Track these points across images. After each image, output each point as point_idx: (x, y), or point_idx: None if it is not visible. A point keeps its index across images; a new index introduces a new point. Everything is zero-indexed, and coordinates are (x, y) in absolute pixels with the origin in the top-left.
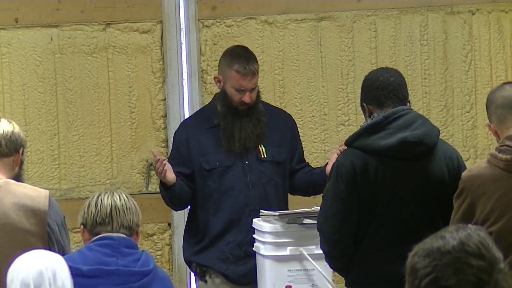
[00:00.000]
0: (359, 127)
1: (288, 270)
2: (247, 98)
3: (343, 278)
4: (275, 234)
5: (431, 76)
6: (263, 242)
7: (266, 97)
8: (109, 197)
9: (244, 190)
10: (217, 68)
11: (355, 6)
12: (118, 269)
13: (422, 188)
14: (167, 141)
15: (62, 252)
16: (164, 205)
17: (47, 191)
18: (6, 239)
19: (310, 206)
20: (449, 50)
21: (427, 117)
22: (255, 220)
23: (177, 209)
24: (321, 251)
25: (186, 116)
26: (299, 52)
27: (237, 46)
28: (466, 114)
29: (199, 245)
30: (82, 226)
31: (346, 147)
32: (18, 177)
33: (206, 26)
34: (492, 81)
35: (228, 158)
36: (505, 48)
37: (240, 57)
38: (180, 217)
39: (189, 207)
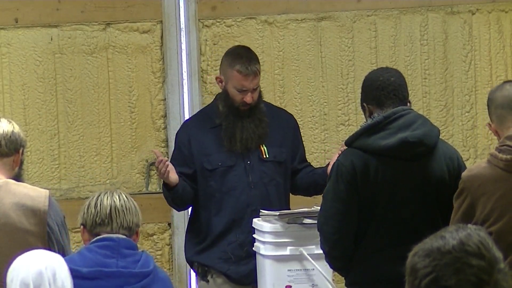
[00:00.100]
0: (359, 127)
1: (288, 270)
2: (248, 98)
3: (343, 278)
4: (275, 234)
5: (431, 76)
6: (263, 242)
7: (266, 97)
8: (109, 197)
9: (246, 190)
10: (217, 68)
11: (355, 6)
12: (118, 271)
13: (422, 188)
14: (167, 141)
15: (62, 252)
16: (164, 205)
17: (47, 191)
18: (6, 239)
19: (310, 206)
20: (449, 50)
21: (427, 117)
22: (255, 220)
23: (179, 209)
24: (321, 251)
25: (186, 116)
26: (299, 52)
27: (239, 46)
28: (466, 114)
29: (201, 245)
30: (82, 227)
31: (346, 148)
32: (18, 177)
33: (206, 26)
34: (492, 81)
35: (230, 158)
36: (505, 48)
37: (241, 57)
38: (180, 217)
39: (191, 207)
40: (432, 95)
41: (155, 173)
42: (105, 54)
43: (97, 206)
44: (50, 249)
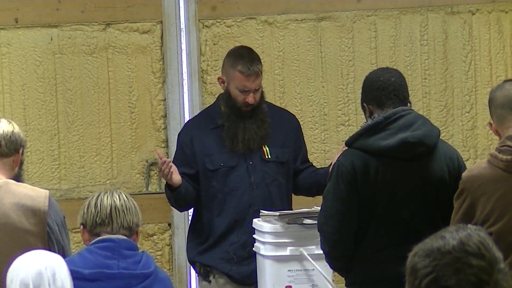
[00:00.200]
0: (360, 127)
1: (288, 270)
2: (251, 99)
3: (343, 278)
4: (275, 234)
5: (431, 76)
6: (263, 242)
7: (266, 97)
8: (109, 197)
9: (248, 190)
10: (217, 68)
11: (355, 6)
12: (120, 272)
13: (422, 188)
14: (167, 141)
15: (62, 252)
16: (164, 205)
17: (47, 191)
18: (6, 239)
19: (310, 206)
20: (449, 50)
21: (427, 117)
22: (255, 220)
23: (181, 210)
24: (321, 251)
25: (186, 116)
26: (299, 52)
27: (241, 46)
28: (466, 114)
29: (203, 246)
30: (81, 226)
31: (346, 148)
32: (18, 177)
33: (206, 26)
34: (492, 81)
35: (232, 159)
36: (505, 48)
37: (243, 57)
38: (180, 217)
39: (192, 207)
40: (432, 95)
41: (155, 173)
42: (105, 54)
43: (97, 206)
44: (50, 249)
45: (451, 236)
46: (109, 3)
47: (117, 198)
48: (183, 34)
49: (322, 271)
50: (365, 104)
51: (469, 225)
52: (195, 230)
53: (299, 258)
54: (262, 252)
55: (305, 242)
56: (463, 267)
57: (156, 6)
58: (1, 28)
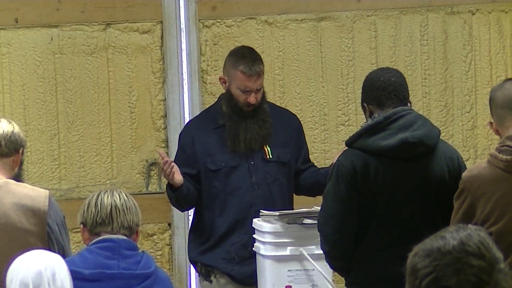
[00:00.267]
0: (360, 127)
1: (288, 270)
2: (252, 99)
3: (343, 278)
4: (275, 234)
5: (431, 76)
6: (263, 242)
7: (266, 97)
8: (109, 196)
9: (249, 190)
10: (217, 68)
11: (355, 6)
12: (120, 273)
13: (422, 188)
14: (167, 141)
15: (62, 252)
16: (164, 205)
17: (47, 191)
18: (6, 239)
19: (310, 206)
20: (449, 50)
21: (427, 117)
22: (255, 220)
23: (183, 210)
24: (321, 251)
25: (186, 116)
26: (299, 52)
27: (243, 46)
28: (466, 114)
29: (205, 246)
30: (81, 226)
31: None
32: (18, 177)
33: (206, 26)
34: (492, 81)
35: (233, 159)
36: (505, 48)
37: (245, 57)
38: (180, 217)
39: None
40: (432, 95)
41: (155, 173)
42: (105, 54)
43: (97, 205)
44: (50, 249)
45: (451, 236)
46: (109, 3)
47: (117, 197)
48: (183, 34)
49: (322, 271)
50: (365, 104)
51: (469, 225)
52: (197, 230)
53: (299, 258)
54: (262, 252)
55: (305, 242)
56: (463, 267)
57: (156, 6)
58: (1, 28)
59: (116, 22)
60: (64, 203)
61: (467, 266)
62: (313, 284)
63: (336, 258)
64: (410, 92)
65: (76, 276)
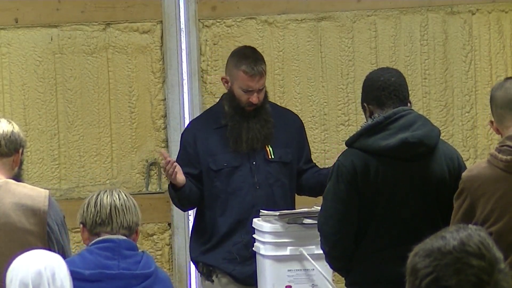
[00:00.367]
0: (360, 127)
1: (288, 270)
2: (254, 98)
3: (343, 278)
4: (275, 234)
5: (431, 76)
6: (263, 242)
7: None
8: (109, 196)
9: (251, 190)
10: (217, 68)
11: (355, 6)
12: (120, 273)
13: (422, 188)
14: (167, 141)
15: (62, 252)
16: (164, 205)
17: (47, 190)
18: (6, 238)
19: (310, 206)
20: (449, 50)
21: (427, 117)
22: (255, 220)
23: (185, 209)
24: (321, 251)
25: (186, 116)
26: (299, 52)
27: (245, 46)
28: (466, 114)
29: (206, 245)
30: (81, 225)
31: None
32: (17, 177)
33: (206, 26)
34: (492, 81)
35: (235, 159)
36: (505, 48)
37: (247, 57)
38: (180, 217)
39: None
40: (432, 95)
41: (155, 173)
42: (105, 54)
43: (97, 205)
44: (50, 249)
45: (452, 236)
46: (109, 3)
47: (117, 197)
48: (183, 34)
49: (322, 271)
50: (365, 104)
51: (470, 225)
52: (198, 230)
53: (299, 258)
54: (262, 252)
55: (305, 242)
56: (464, 267)
57: (156, 6)
58: (1, 28)
59: (116, 22)
60: (64, 203)
61: (467, 266)
62: (313, 284)
63: (336, 258)
64: (410, 92)
65: (76, 277)
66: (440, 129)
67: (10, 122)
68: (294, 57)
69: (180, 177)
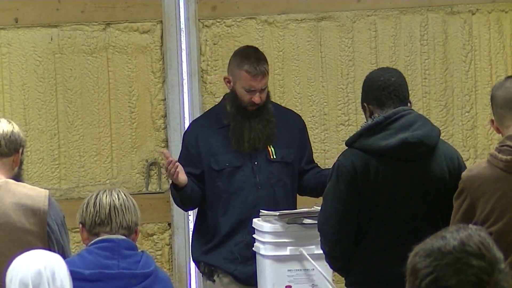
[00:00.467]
0: (360, 127)
1: (288, 270)
2: (257, 98)
3: (343, 278)
4: (275, 234)
5: (431, 76)
6: (263, 242)
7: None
8: (108, 196)
9: (253, 190)
10: (217, 68)
11: (355, 6)
12: (120, 272)
13: (422, 188)
14: (167, 141)
15: (62, 252)
16: (164, 205)
17: (47, 190)
18: (5, 238)
19: (310, 206)
20: (449, 50)
21: (427, 117)
22: (255, 220)
23: (187, 209)
24: (321, 251)
25: (186, 116)
26: (299, 52)
27: (247, 46)
28: (466, 114)
29: (208, 245)
30: (80, 225)
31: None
32: (17, 177)
33: (206, 26)
34: (492, 81)
35: (237, 159)
36: (505, 48)
37: (250, 57)
38: (180, 217)
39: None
40: (432, 95)
41: (155, 173)
42: (105, 54)
43: (96, 205)
44: (50, 249)
45: (452, 236)
46: (109, 3)
47: (116, 197)
48: (183, 34)
49: (322, 271)
50: (365, 104)
51: (470, 225)
52: (200, 230)
53: (299, 258)
54: (262, 252)
55: (305, 242)
56: (464, 268)
57: (156, 6)
58: (1, 28)
59: (116, 22)
60: (64, 203)
61: (467, 266)
62: (313, 284)
63: (336, 258)
64: (410, 92)
65: (76, 277)
66: (440, 129)
67: (10, 122)
68: (294, 57)
69: (182, 177)
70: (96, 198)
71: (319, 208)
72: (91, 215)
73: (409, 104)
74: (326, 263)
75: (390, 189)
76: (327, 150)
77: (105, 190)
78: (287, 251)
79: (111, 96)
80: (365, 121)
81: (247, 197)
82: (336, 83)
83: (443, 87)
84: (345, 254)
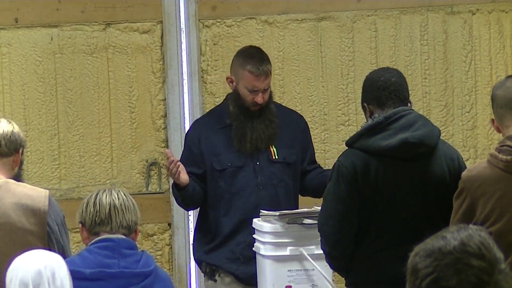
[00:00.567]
0: (360, 127)
1: (288, 270)
2: (259, 98)
3: (343, 278)
4: (275, 234)
5: (431, 76)
6: (263, 242)
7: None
8: (108, 196)
9: (255, 191)
10: (217, 68)
11: (355, 6)
12: (121, 271)
13: (422, 188)
14: (167, 141)
15: (62, 251)
16: (164, 205)
17: (47, 190)
18: (6, 238)
19: (310, 206)
20: (449, 50)
21: (427, 117)
22: (255, 220)
23: (188, 209)
24: (321, 251)
25: (186, 116)
26: (299, 52)
27: (250, 46)
28: (466, 114)
29: (210, 245)
30: (80, 225)
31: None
32: (17, 177)
33: (206, 26)
34: (492, 81)
35: (239, 159)
36: (505, 48)
37: (253, 57)
38: (180, 217)
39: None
40: (432, 95)
41: (155, 173)
42: (105, 54)
43: (96, 205)
44: (50, 249)
45: (452, 236)
46: (109, 3)
47: (116, 197)
48: (183, 34)
49: (322, 271)
50: (365, 104)
51: (471, 225)
52: (202, 230)
53: (299, 258)
54: (262, 252)
55: (305, 242)
56: (464, 268)
57: (156, 6)
58: (1, 28)
59: (116, 22)
60: (64, 203)
61: (467, 267)
62: (313, 284)
63: (336, 258)
64: (410, 92)
65: (77, 276)
66: (440, 129)
67: (10, 122)
68: (294, 57)
69: (184, 177)
70: (96, 198)
71: (319, 208)
72: (91, 215)
73: (409, 104)
74: (326, 263)
75: (390, 189)
76: (327, 150)
77: (105, 190)
78: (287, 251)
79: (111, 96)
80: (365, 121)
81: (249, 197)
82: (336, 83)
83: (443, 87)
84: (345, 254)
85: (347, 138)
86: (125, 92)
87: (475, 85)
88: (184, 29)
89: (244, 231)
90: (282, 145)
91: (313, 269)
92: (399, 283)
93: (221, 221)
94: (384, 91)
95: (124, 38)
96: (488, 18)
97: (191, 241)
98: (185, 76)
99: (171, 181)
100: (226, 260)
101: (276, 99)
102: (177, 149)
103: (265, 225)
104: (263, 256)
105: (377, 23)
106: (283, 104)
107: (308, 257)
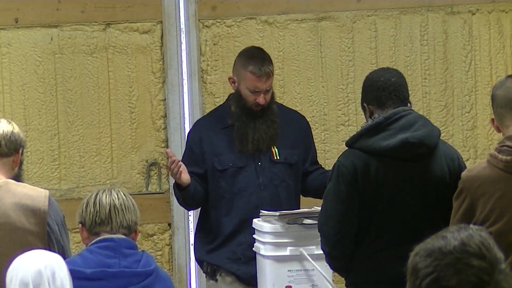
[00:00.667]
0: (360, 127)
1: (288, 270)
2: (261, 99)
3: (343, 278)
4: (275, 234)
5: (431, 76)
6: (263, 242)
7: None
8: (108, 196)
9: (256, 191)
10: (217, 68)
11: (355, 6)
12: (122, 271)
13: (423, 188)
14: (167, 141)
15: (62, 252)
16: (164, 205)
17: (47, 191)
18: (6, 238)
19: (310, 206)
20: (449, 50)
21: (427, 117)
22: (255, 220)
23: (189, 209)
24: (321, 251)
25: (186, 116)
26: (299, 52)
27: (253, 47)
28: (466, 114)
29: (211, 245)
30: (80, 225)
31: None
32: (17, 177)
33: (206, 26)
34: (492, 81)
35: (240, 159)
36: (505, 48)
37: (255, 58)
38: (180, 217)
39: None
40: (432, 95)
41: (155, 173)
42: (105, 54)
43: (96, 205)
44: (50, 249)
45: (453, 236)
46: (109, 3)
47: (116, 197)
48: (183, 34)
49: (322, 271)
50: (365, 104)
51: (471, 225)
52: (203, 230)
53: (299, 258)
54: (262, 252)
55: (305, 242)
56: (464, 268)
57: (156, 6)
58: (1, 28)
59: (116, 22)
60: (64, 203)
61: (467, 267)
62: (313, 284)
63: (336, 259)
64: (410, 92)
65: (77, 276)
66: (440, 129)
67: (10, 122)
68: (294, 57)
69: (185, 177)
70: (96, 198)
71: (319, 208)
72: (91, 215)
73: (409, 104)
74: (326, 263)
75: (391, 190)
76: (327, 151)
77: (104, 190)
78: (287, 251)
79: (111, 96)
80: (365, 121)
81: (250, 198)
82: (336, 83)
83: (443, 87)
84: (345, 254)
85: (347, 138)
86: (125, 92)
87: (475, 85)
88: (184, 29)
89: (245, 231)
90: (284, 145)
91: (313, 269)
92: (399, 283)
93: (222, 221)
94: (384, 91)
95: (124, 38)
96: (488, 18)
97: (191, 241)
98: (185, 76)
99: (171, 181)
100: (227, 260)
101: (276, 99)
102: (177, 149)
103: (265, 225)
104: (263, 256)
105: (377, 23)
106: (284, 104)
107: (308, 257)
